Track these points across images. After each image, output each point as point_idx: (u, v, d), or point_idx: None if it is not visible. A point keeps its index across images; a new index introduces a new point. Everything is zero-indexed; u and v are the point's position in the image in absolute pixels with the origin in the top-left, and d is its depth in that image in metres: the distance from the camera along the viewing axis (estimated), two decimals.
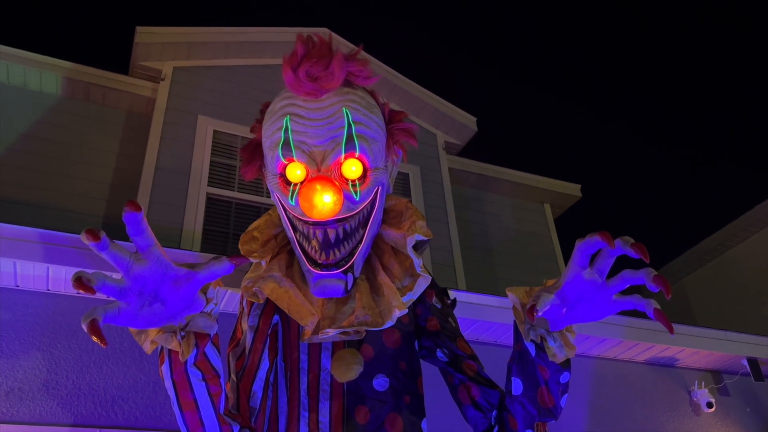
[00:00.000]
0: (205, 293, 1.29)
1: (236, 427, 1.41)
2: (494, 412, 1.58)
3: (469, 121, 6.64)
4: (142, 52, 5.37)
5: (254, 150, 1.60)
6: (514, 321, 1.48)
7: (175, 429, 2.93)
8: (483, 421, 1.59)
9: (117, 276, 1.14)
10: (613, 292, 1.27)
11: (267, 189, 5.06)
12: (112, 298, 1.15)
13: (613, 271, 1.27)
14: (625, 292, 1.28)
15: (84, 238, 1.06)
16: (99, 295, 3.16)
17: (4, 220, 3.02)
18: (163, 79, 5.34)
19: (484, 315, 3.78)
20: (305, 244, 1.50)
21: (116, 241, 1.13)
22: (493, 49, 21.50)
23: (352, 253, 1.50)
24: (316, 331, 1.48)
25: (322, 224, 1.44)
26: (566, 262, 5.37)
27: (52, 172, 4.89)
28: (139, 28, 5.30)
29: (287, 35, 5.93)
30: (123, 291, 1.14)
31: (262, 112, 1.61)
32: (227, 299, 3.15)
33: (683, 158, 20.72)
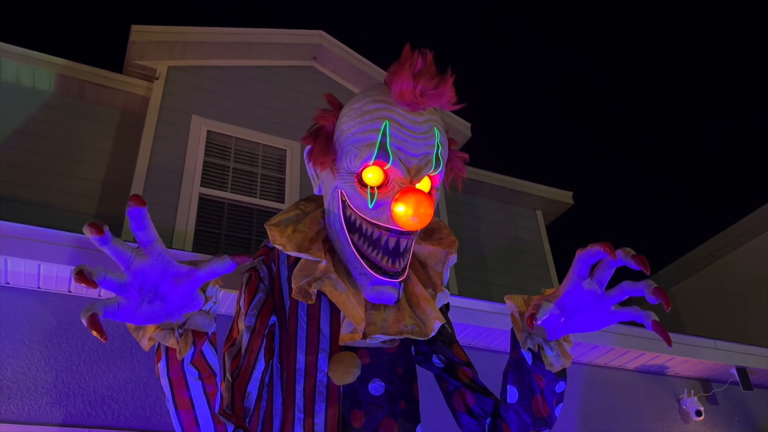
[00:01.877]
0: (204, 291, 1.29)
1: (231, 427, 1.40)
2: (488, 420, 1.59)
3: (463, 127, 6.66)
4: (137, 51, 5.35)
5: (328, 141, 1.58)
6: (512, 329, 1.49)
7: (164, 429, 2.91)
8: (477, 429, 1.60)
9: (117, 272, 1.14)
10: (612, 302, 1.28)
11: (261, 190, 5.02)
12: (109, 294, 1.14)
13: (612, 283, 1.28)
14: (623, 303, 1.28)
15: (87, 232, 1.05)
16: (90, 293, 3.14)
17: None
18: (157, 78, 5.33)
19: (476, 320, 3.78)
20: (366, 248, 1.49)
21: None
22: (488, 55, 21.56)
23: (407, 264, 1.53)
24: (364, 336, 1.48)
25: (397, 233, 1.46)
26: (557, 268, 5.37)
27: (44, 169, 4.87)
28: (134, 27, 5.28)
29: (284, 37, 5.94)
30: (123, 286, 1.14)
31: (332, 104, 1.60)
32: (221, 300, 3.14)
33: (675, 168, 20.84)
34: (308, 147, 1.59)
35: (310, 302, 1.54)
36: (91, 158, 5.11)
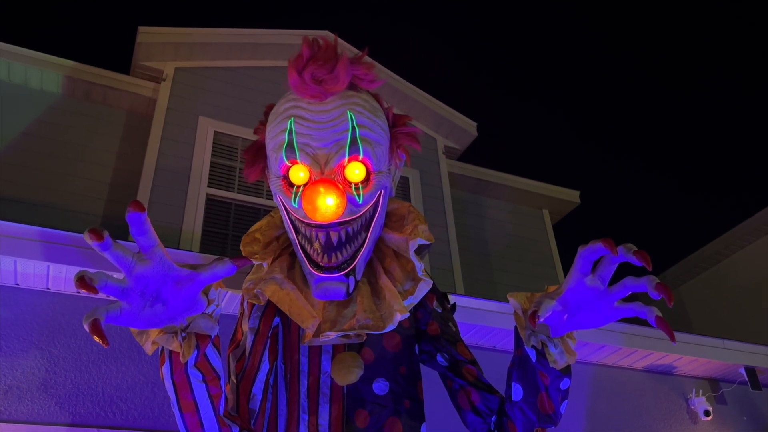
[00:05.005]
0: (206, 294, 1.29)
1: (235, 429, 1.41)
2: (494, 418, 1.58)
3: (469, 126, 6.65)
4: (144, 52, 5.37)
5: (257, 152, 1.60)
6: (515, 326, 1.48)
7: (172, 430, 2.92)
8: (482, 427, 1.59)
9: (119, 276, 1.14)
10: (614, 299, 1.27)
11: (267, 190, 5.07)
12: (113, 298, 1.15)
13: (615, 278, 1.28)
14: (626, 300, 1.28)
15: (87, 238, 1.06)
16: (100, 295, 3.16)
17: (4, 218, 3.02)
18: (164, 80, 5.35)
19: (482, 320, 3.78)
20: (307, 247, 1.49)
21: (119, 241, 1.13)
22: (493, 54, 21.54)
23: (354, 257, 1.50)
24: (317, 334, 1.48)
25: (324, 227, 1.44)
26: (564, 267, 5.38)
27: (52, 170, 4.90)
28: (141, 28, 5.31)
29: (289, 37, 5.95)
30: (125, 291, 1.14)
31: (266, 113, 1.61)
32: (227, 301, 3.15)
33: (682, 167, 20.76)
34: None
35: (260, 304, 1.55)
36: (99, 159, 5.14)
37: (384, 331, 1.48)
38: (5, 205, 4.45)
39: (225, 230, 4.86)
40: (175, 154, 4.97)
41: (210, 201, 4.90)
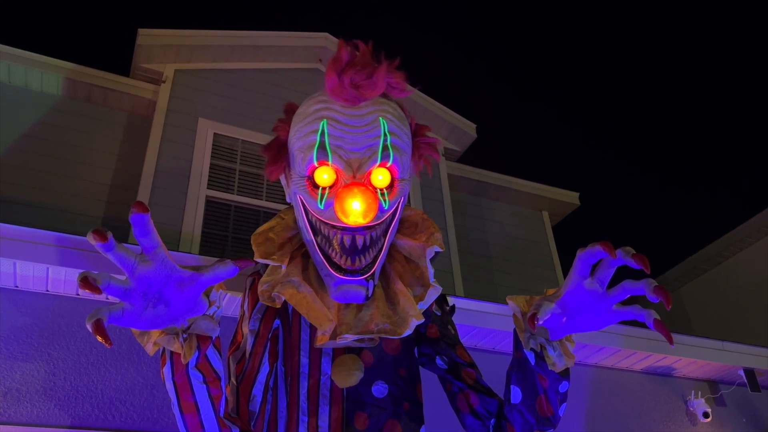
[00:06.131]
0: (208, 296, 1.30)
1: (236, 430, 1.41)
2: (492, 421, 1.59)
3: (468, 128, 6.65)
4: (144, 54, 5.37)
5: (279, 150, 1.60)
6: (514, 329, 1.49)
7: (171, 431, 2.92)
8: (481, 429, 1.60)
9: (122, 277, 1.15)
10: (613, 302, 1.28)
11: (267, 192, 5.04)
12: (114, 299, 1.15)
13: (614, 281, 1.28)
14: (625, 302, 1.29)
15: (91, 239, 1.06)
16: (101, 297, 3.16)
17: (3, 220, 3.02)
18: (164, 82, 5.35)
19: (481, 322, 3.78)
20: (328, 249, 1.50)
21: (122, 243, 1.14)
22: (493, 56, 21.55)
23: (374, 260, 1.51)
24: (333, 337, 1.48)
25: (350, 230, 1.45)
26: (564, 269, 5.37)
27: (52, 172, 4.89)
28: (141, 30, 5.31)
29: (289, 39, 5.95)
30: (127, 292, 1.14)
31: (287, 112, 1.62)
32: (227, 302, 3.15)
33: (682, 167, 20.76)
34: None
35: (277, 306, 1.55)
36: (99, 161, 5.13)
37: (401, 336, 1.49)
38: (5, 206, 4.46)
39: (225, 232, 4.86)
40: (175, 156, 4.97)
41: (210, 203, 4.90)
